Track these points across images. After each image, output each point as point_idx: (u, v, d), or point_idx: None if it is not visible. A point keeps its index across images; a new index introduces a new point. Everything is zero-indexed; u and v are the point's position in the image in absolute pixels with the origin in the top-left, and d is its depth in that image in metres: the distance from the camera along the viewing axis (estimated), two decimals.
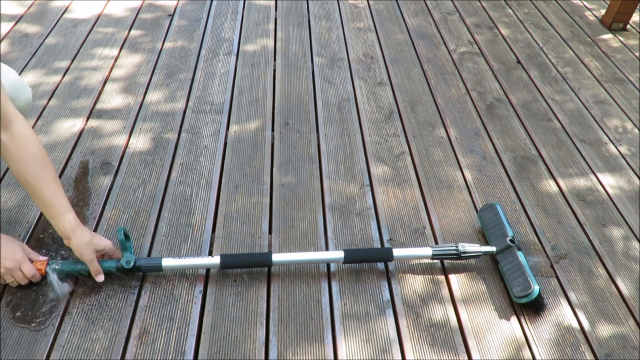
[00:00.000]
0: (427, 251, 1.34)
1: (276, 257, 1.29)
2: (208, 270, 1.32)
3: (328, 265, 1.36)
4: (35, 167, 1.16)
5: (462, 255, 1.33)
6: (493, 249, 1.37)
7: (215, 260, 1.27)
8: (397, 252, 1.33)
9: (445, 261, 1.40)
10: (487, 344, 1.23)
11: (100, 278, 1.22)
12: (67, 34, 2.26)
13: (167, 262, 1.25)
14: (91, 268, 1.20)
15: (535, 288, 1.24)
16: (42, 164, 1.17)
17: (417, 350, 1.20)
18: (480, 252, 1.36)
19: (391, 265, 1.39)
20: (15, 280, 1.19)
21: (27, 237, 1.36)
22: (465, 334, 1.24)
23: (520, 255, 1.33)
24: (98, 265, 1.21)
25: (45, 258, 1.24)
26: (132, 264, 1.22)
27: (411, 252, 1.36)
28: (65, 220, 1.18)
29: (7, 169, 1.55)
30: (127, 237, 1.25)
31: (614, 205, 1.66)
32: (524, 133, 1.94)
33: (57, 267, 1.21)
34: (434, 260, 1.39)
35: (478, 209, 1.58)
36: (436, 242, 1.47)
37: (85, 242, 1.18)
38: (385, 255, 1.34)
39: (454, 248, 1.33)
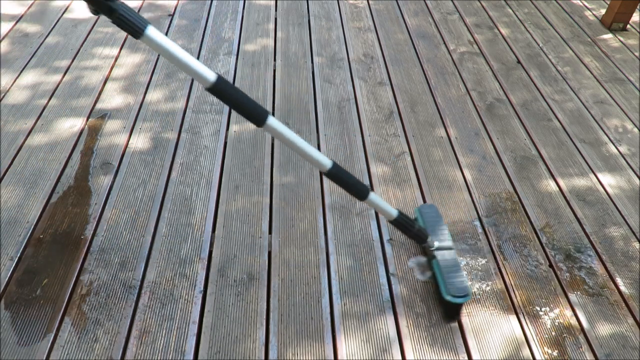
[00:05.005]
0: (394, 212, 1.25)
1: (272, 120, 1.08)
2: (208, 270, 1.32)
3: (328, 266, 1.37)
4: None
5: (415, 233, 1.28)
6: (436, 243, 1.34)
7: (211, 76, 0.96)
8: (372, 195, 1.20)
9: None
10: (487, 343, 1.23)
11: None
12: (67, 33, 2.26)
13: (153, 32, 0.89)
14: None
15: (470, 293, 1.24)
16: None
17: (417, 350, 1.20)
18: (427, 238, 1.32)
19: (391, 265, 1.39)
20: None
21: (27, 237, 1.36)
22: (465, 333, 1.24)
23: (459, 260, 1.32)
24: None
25: None
26: None
27: (381, 204, 1.24)
28: None
29: (7, 168, 1.55)
30: None
31: (614, 205, 1.66)
32: (524, 133, 1.94)
33: None
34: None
35: (479, 209, 1.58)
36: None
37: None
38: (361, 191, 1.19)
39: (412, 223, 1.27)
